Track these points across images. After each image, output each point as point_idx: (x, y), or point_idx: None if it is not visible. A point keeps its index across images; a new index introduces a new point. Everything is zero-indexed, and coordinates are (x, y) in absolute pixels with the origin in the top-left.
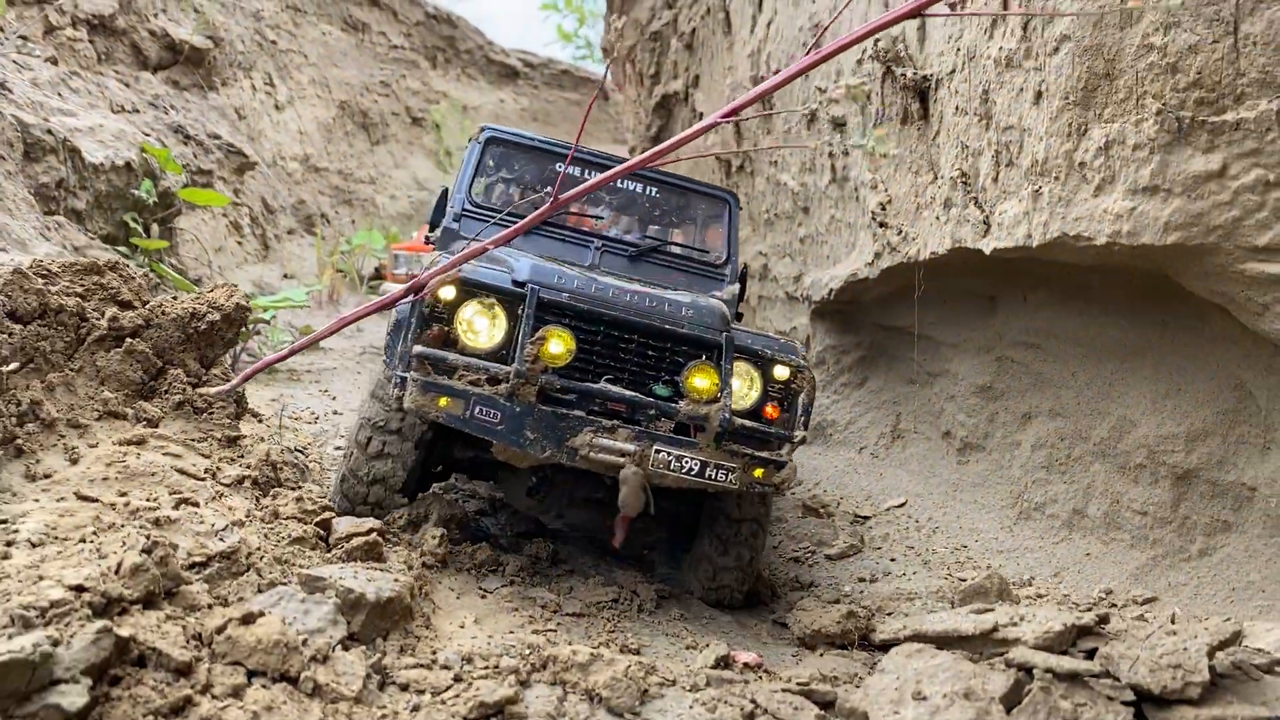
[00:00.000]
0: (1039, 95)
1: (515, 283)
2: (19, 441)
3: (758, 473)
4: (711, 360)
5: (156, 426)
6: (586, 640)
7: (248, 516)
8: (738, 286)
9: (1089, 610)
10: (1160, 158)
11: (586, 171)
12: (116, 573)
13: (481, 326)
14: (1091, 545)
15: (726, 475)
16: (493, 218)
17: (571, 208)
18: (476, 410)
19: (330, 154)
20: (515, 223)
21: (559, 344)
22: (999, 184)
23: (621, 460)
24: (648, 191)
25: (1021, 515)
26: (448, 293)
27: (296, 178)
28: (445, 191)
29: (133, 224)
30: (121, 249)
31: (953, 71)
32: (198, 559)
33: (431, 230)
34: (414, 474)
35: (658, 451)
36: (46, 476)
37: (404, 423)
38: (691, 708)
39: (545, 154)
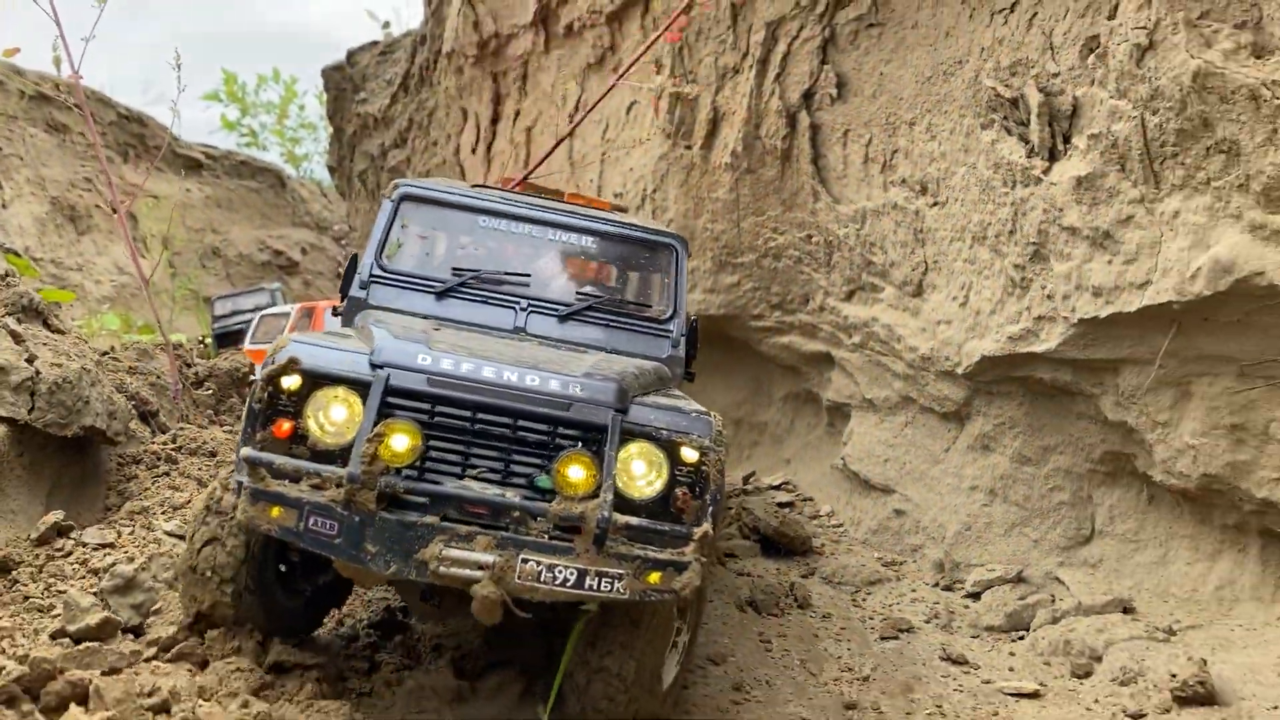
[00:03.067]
0: None
1: (374, 364)
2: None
3: (653, 577)
4: (592, 447)
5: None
6: None
7: None
8: (683, 345)
9: None
10: (714, 277)
11: (515, 225)
12: None
13: (339, 417)
14: None
15: (612, 584)
16: (408, 282)
17: (494, 268)
18: (311, 521)
19: (44, 245)
20: (433, 287)
21: (403, 439)
22: None
23: (479, 575)
24: (583, 242)
25: None
26: (291, 381)
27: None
28: (354, 258)
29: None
30: None
31: None
32: None
33: (343, 300)
34: (251, 589)
35: (524, 561)
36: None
37: (231, 534)
38: None
39: (466, 210)
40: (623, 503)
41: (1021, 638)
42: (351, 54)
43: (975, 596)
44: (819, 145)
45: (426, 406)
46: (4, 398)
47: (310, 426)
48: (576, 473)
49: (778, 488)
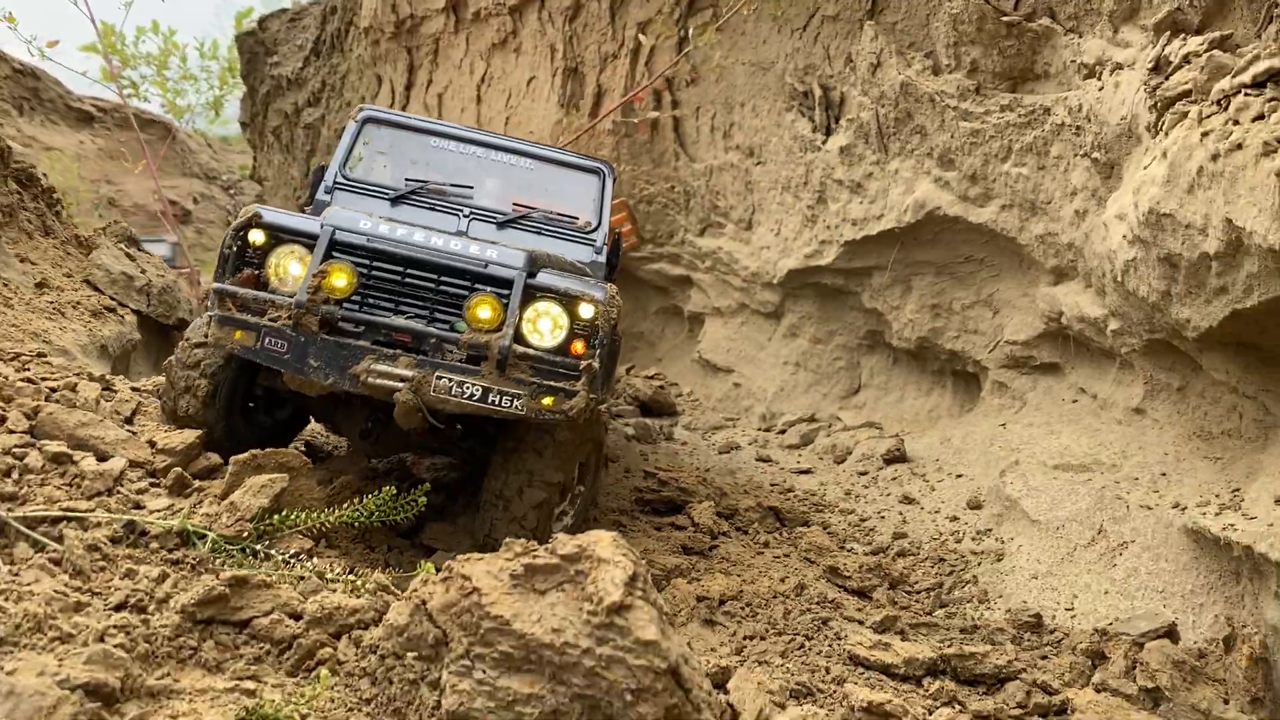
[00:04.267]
0: None
1: (324, 225)
2: None
3: (547, 401)
4: (503, 299)
5: None
6: None
7: None
8: (605, 253)
9: None
10: None
11: (464, 148)
12: None
13: (295, 270)
14: None
15: (511, 401)
16: (367, 189)
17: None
18: (266, 341)
19: None
20: (387, 194)
21: (341, 277)
22: None
23: (399, 385)
24: (523, 163)
25: None
26: (257, 236)
27: None
28: (321, 169)
29: None
30: None
31: None
32: None
33: (308, 204)
34: (219, 409)
35: (439, 378)
36: None
37: (200, 358)
38: None
39: (422, 133)
40: (529, 350)
41: (808, 444)
42: (263, 20)
43: (783, 432)
44: (678, 117)
45: (365, 260)
46: (133, 296)
47: (271, 276)
48: (484, 312)
49: (651, 378)
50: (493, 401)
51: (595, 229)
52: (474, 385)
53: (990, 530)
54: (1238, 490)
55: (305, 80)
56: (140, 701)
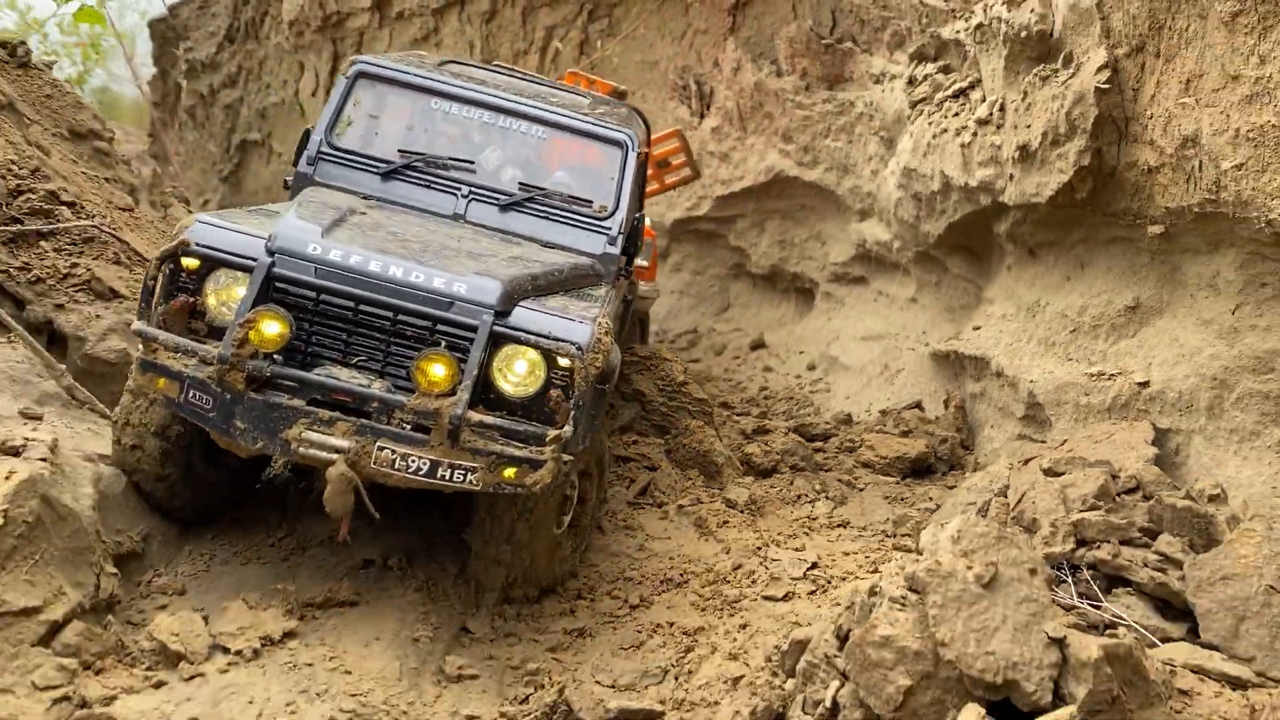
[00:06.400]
0: None
1: (268, 249)
2: None
3: (508, 473)
4: (459, 347)
5: None
6: None
7: None
8: (621, 242)
9: None
10: None
11: (467, 109)
12: None
13: (235, 296)
14: None
15: (465, 476)
16: (354, 161)
17: (439, 153)
18: (190, 394)
19: None
20: (377, 168)
21: (273, 324)
22: None
23: (334, 456)
24: (535, 131)
25: None
26: (192, 261)
27: None
28: (307, 133)
29: None
30: None
31: None
32: None
33: (292, 181)
34: (182, 468)
35: (380, 449)
36: None
37: (144, 418)
38: None
39: (422, 92)
40: (500, 400)
41: (694, 345)
42: (173, 7)
43: (673, 342)
44: None
45: (312, 294)
46: None
47: (209, 303)
48: (438, 370)
49: None
50: (443, 476)
51: (611, 214)
52: (420, 459)
53: (821, 379)
54: (961, 332)
55: (221, 64)
56: None
